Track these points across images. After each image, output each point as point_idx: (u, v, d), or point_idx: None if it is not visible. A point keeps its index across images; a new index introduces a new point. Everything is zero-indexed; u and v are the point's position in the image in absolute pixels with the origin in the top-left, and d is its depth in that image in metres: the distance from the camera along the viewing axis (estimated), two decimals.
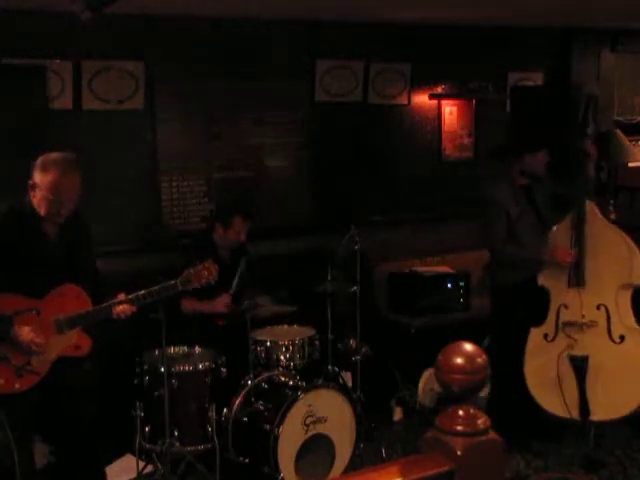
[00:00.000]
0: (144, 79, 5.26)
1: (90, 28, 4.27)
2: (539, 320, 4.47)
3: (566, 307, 4.42)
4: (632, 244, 4.49)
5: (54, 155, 3.41)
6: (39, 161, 3.39)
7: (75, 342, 3.48)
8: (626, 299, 4.41)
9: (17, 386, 3.34)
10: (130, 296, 3.52)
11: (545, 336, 4.45)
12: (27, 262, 3.37)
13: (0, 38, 4.73)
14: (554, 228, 4.48)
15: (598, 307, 4.40)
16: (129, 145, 5.32)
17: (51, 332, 3.38)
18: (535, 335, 4.47)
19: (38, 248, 3.41)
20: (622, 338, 4.39)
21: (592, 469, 4.31)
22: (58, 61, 4.98)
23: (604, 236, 4.44)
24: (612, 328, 4.39)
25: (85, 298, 3.48)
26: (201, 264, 3.71)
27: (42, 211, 3.39)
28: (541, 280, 4.48)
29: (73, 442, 3.59)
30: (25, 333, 3.28)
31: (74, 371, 3.50)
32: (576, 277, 4.40)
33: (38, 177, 3.37)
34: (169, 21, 5.21)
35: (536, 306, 4.49)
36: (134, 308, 3.54)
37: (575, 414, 4.34)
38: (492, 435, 2.00)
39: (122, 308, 3.51)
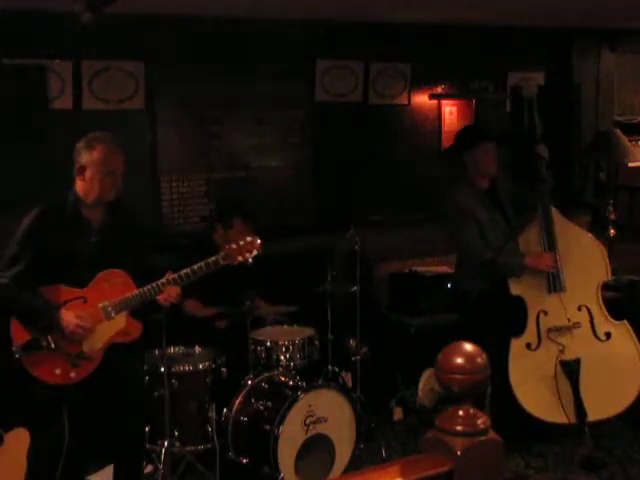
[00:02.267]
0: (144, 79, 5.26)
1: (90, 28, 4.27)
2: (517, 330, 4.39)
3: (546, 313, 4.37)
4: (597, 240, 4.51)
5: (96, 133, 3.51)
6: (81, 143, 3.47)
7: (124, 328, 3.49)
8: (600, 296, 4.44)
9: (72, 375, 3.38)
10: (174, 275, 3.47)
11: (528, 345, 4.37)
12: (70, 253, 3.41)
13: (0, 38, 4.73)
14: (522, 234, 4.44)
15: (579, 308, 4.40)
16: (129, 145, 5.30)
17: (99, 318, 3.41)
18: (517, 346, 4.37)
19: (79, 238, 3.45)
20: (608, 335, 4.41)
21: (592, 469, 4.31)
22: (58, 61, 4.99)
23: (572, 237, 4.46)
24: (596, 327, 4.40)
25: (130, 282, 3.48)
26: (243, 238, 3.58)
27: (93, 193, 3.44)
28: (514, 290, 4.38)
29: (123, 435, 3.63)
30: (69, 319, 3.32)
31: (128, 360, 3.55)
32: (555, 282, 4.37)
33: (85, 157, 3.43)
34: (169, 21, 5.21)
35: (513, 316, 4.41)
36: (179, 290, 3.52)
37: (572, 418, 4.33)
38: (492, 435, 2.00)
39: (168, 294, 3.48)
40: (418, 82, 6.31)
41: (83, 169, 3.44)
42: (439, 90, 6.46)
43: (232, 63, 5.54)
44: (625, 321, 4.44)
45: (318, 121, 5.95)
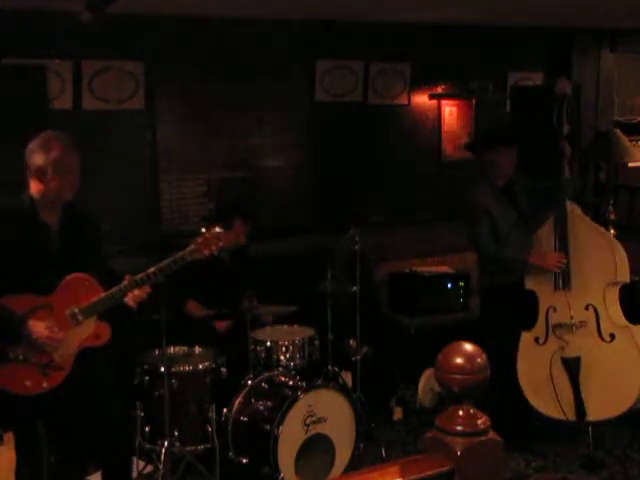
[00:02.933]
0: (144, 79, 5.26)
1: (90, 28, 4.28)
2: (529, 324, 4.46)
3: (555, 310, 4.42)
4: (614, 241, 4.51)
5: (49, 133, 3.40)
6: (36, 144, 3.36)
7: (94, 332, 3.41)
8: (614, 297, 4.43)
9: (45, 385, 3.30)
10: (138, 276, 3.40)
11: (536, 339, 4.44)
12: (31, 259, 3.31)
13: (0, 38, 4.73)
14: (539, 231, 4.48)
15: (586, 307, 4.41)
16: (129, 145, 5.32)
17: (67, 325, 3.33)
18: (526, 339, 4.45)
19: (41, 242, 3.36)
20: (612, 337, 4.40)
21: (592, 469, 4.31)
22: (58, 61, 4.98)
23: (586, 236, 4.46)
24: (601, 328, 4.40)
25: (96, 285, 3.40)
26: (207, 231, 3.52)
27: (51, 194, 3.33)
28: (528, 284, 4.46)
29: (101, 440, 3.56)
30: (39, 330, 3.24)
31: (98, 362, 3.48)
32: (562, 279, 4.40)
33: (42, 157, 3.32)
34: (169, 21, 5.21)
35: (525, 309, 4.48)
36: (147, 290, 3.45)
37: (571, 416, 4.35)
38: (492, 435, 2.00)
39: (136, 294, 3.42)
40: (418, 82, 6.30)
41: (40, 170, 3.32)
42: (439, 90, 6.45)
43: (232, 63, 5.53)
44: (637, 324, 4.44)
45: (318, 121, 5.95)
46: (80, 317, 3.36)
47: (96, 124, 5.15)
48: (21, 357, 3.26)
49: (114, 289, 3.38)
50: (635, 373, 4.39)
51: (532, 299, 4.47)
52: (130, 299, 3.43)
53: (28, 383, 3.27)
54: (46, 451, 3.44)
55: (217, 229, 3.54)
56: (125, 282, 3.39)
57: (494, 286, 4.63)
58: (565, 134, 4.52)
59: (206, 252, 3.48)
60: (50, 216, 3.40)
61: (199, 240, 3.49)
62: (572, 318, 4.38)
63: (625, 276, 4.44)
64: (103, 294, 3.38)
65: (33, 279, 3.30)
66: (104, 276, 3.46)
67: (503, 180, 4.67)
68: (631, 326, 4.42)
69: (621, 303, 4.47)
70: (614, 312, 4.42)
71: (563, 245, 4.41)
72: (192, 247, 3.48)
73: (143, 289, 3.44)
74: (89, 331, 3.40)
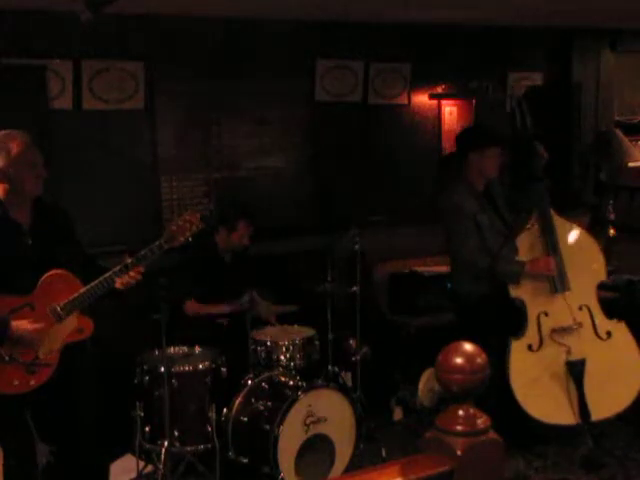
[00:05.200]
0: (144, 79, 5.26)
1: (90, 28, 4.28)
2: (517, 332, 4.35)
3: (547, 314, 4.35)
4: (594, 240, 4.50)
5: (3, 133, 3.34)
6: None
7: (77, 326, 3.39)
8: (597, 296, 4.45)
9: (32, 383, 3.28)
10: (117, 267, 3.38)
11: (529, 347, 4.34)
12: (6, 259, 3.27)
13: (0, 38, 4.73)
14: (520, 236, 4.39)
15: (580, 308, 4.39)
16: (129, 145, 5.32)
17: (50, 322, 3.31)
18: (517, 347, 4.33)
19: (14, 242, 3.31)
20: (609, 334, 4.41)
21: (592, 469, 4.31)
22: (58, 61, 4.98)
23: (571, 236, 4.45)
24: (597, 326, 4.40)
25: (74, 281, 3.37)
26: (181, 217, 3.52)
27: (20, 191, 3.29)
28: (514, 292, 4.34)
29: (74, 441, 3.53)
30: (24, 327, 3.21)
31: (81, 357, 3.46)
32: (561, 282, 4.35)
33: (3, 158, 3.28)
34: (169, 21, 5.21)
35: (509, 318, 4.39)
36: (137, 276, 3.43)
37: (576, 418, 4.32)
38: (492, 435, 2.00)
39: (124, 280, 3.41)
40: (418, 82, 6.30)
41: (2, 171, 3.28)
42: (439, 90, 6.46)
43: (232, 63, 5.53)
44: (621, 320, 4.44)
45: (318, 121, 5.95)
46: (62, 313, 3.33)
47: (96, 124, 5.15)
48: (7, 358, 3.23)
49: (93, 283, 3.35)
50: (635, 367, 4.39)
51: (517, 307, 4.38)
52: (118, 284, 3.42)
53: (16, 382, 3.25)
54: (41, 452, 3.42)
55: (190, 215, 3.53)
56: (105, 275, 3.37)
57: (472, 295, 4.53)
58: (531, 135, 4.45)
59: (181, 238, 3.48)
60: (20, 215, 3.36)
61: (173, 227, 3.48)
62: (575, 320, 4.37)
63: (605, 274, 4.50)
64: (83, 289, 3.36)
65: (10, 279, 3.27)
66: (84, 268, 3.45)
67: (484, 183, 4.58)
68: (620, 321, 4.43)
69: (617, 302, 4.48)
70: (601, 310, 4.43)
71: (555, 250, 4.35)
72: (166, 234, 3.47)
73: (132, 275, 3.43)
74: (72, 326, 3.38)
